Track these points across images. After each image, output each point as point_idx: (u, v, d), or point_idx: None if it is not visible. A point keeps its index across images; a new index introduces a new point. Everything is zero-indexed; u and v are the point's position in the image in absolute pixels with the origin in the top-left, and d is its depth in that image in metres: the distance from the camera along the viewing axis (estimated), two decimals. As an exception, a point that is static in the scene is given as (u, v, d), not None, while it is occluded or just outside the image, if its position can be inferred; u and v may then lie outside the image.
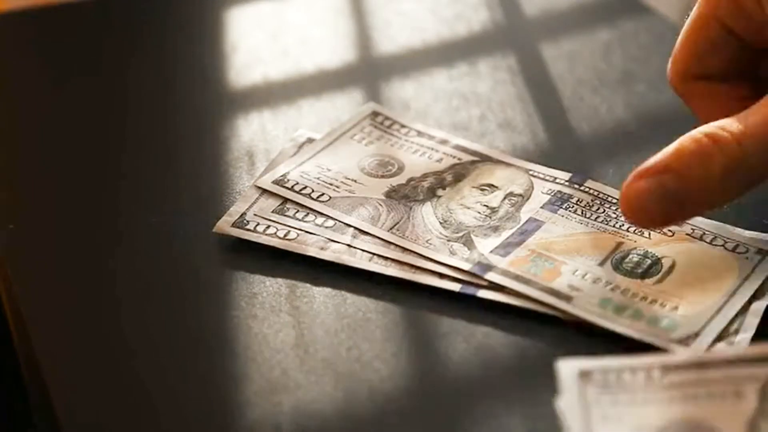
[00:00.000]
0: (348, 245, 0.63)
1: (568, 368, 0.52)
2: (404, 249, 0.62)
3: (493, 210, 0.65)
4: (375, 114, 0.73)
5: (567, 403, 0.50)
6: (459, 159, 0.69)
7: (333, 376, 0.56)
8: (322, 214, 0.65)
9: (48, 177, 0.70)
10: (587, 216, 0.64)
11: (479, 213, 0.65)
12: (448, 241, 0.63)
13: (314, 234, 0.64)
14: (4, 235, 0.65)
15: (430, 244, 0.62)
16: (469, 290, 0.60)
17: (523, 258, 0.61)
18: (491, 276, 0.60)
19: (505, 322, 0.59)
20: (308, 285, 0.61)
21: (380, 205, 0.65)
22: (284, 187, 0.67)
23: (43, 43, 0.85)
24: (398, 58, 0.82)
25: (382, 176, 0.68)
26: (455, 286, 0.60)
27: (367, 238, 0.63)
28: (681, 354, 0.54)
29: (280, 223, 0.64)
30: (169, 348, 0.58)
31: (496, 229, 0.64)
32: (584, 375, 0.51)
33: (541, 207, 0.65)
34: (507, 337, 0.58)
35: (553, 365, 0.57)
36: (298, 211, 0.65)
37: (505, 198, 0.66)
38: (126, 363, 0.57)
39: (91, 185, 0.69)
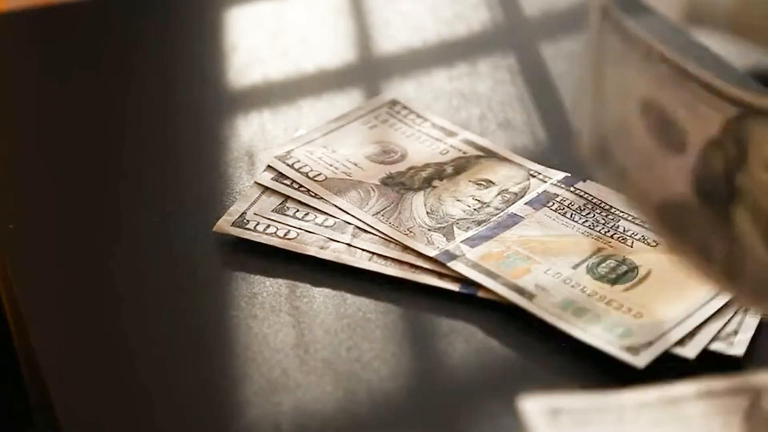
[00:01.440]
0: (348, 244, 0.63)
1: (534, 406, 0.49)
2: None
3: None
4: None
5: None
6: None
7: (333, 376, 0.56)
8: (321, 211, 0.65)
9: (48, 177, 0.70)
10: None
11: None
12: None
13: (314, 233, 0.64)
14: (4, 235, 0.66)
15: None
16: (469, 290, 0.60)
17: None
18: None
19: (505, 322, 0.59)
20: (308, 285, 0.61)
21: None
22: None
23: (43, 43, 0.85)
24: (398, 57, 0.82)
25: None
26: (455, 286, 0.60)
27: (367, 237, 0.63)
28: (652, 392, 0.52)
29: (280, 222, 0.64)
30: (169, 348, 0.58)
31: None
32: (553, 413, 0.50)
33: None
34: (507, 337, 0.58)
35: (552, 365, 0.57)
36: (298, 210, 0.65)
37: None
38: (126, 363, 0.57)
39: (91, 185, 0.69)
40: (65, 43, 0.84)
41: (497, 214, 0.64)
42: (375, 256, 0.62)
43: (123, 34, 0.85)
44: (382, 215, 0.64)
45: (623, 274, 0.60)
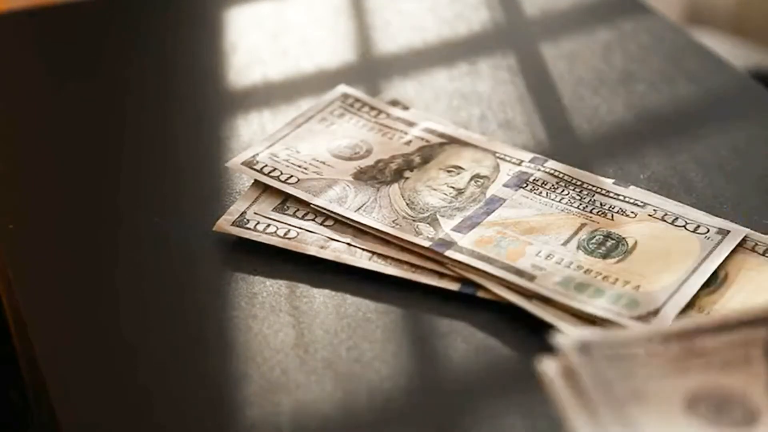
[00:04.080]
0: (348, 244, 0.63)
1: (567, 340, 0.49)
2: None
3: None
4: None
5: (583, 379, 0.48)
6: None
7: (333, 376, 0.56)
8: (320, 211, 0.65)
9: (48, 177, 0.70)
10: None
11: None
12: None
13: (314, 233, 0.64)
14: (4, 235, 0.65)
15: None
16: (469, 290, 0.60)
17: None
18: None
19: (505, 322, 0.59)
20: (308, 285, 0.61)
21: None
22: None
23: (43, 43, 0.85)
24: (398, 57, 0.82)
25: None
26: (455, 286, 0.60)
27: (367, 236, 0.63)
28: (679, 323, 0.53)
29: (280, 222, 0.64)
30: (169, 348, 0.58)
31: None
32: (585, 348, 0.49)
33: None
34: (507, 337, 0.58)
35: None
36: (298, 209, 0.65)
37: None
38: (126, 362, 0.57)
39: (91, 185, 0.69)
40: (65, 43, 0.84)
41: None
42: (375, 256, 0.62)
43: (123, 34, 0.85)
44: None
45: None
